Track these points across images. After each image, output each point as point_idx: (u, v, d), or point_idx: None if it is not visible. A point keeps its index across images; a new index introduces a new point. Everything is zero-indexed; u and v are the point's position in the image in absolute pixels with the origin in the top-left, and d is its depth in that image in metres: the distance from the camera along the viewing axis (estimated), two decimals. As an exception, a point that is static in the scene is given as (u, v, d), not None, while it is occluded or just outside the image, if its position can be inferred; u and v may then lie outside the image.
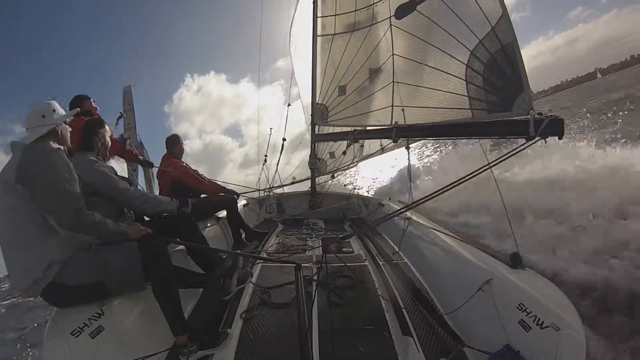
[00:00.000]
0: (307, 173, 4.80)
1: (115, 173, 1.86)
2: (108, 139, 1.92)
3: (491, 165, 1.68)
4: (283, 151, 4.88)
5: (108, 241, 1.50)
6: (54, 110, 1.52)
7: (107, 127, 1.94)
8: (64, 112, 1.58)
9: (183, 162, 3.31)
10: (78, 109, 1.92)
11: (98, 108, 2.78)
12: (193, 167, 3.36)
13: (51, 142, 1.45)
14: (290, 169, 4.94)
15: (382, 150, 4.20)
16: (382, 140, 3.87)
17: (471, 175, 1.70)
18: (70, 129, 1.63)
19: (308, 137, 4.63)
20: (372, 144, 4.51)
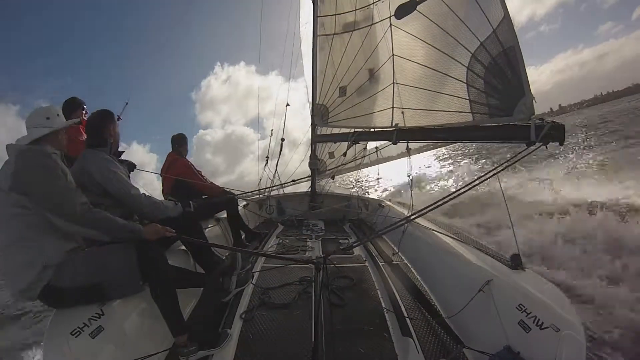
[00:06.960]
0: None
1: (127, 174, 1.82)
2: (118, 131, 1.84)
3: (493, 173, 1.69)
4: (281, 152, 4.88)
5: (114, 239, 1.49)
6: (58, 115, 1.54)
7: (115, 119, 1.85)
8: (64, 119, 1.59)
9: (188, 161, 3.35)
10: (79, 119, 1.89)
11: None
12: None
13: (48, 146, 1.44)
14: (291, 171, 4.93)
15: (377, 152, 4.17)
16: (380, 142, 3.86)
17: (475, 183, 1.71)
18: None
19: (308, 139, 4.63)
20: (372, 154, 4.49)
